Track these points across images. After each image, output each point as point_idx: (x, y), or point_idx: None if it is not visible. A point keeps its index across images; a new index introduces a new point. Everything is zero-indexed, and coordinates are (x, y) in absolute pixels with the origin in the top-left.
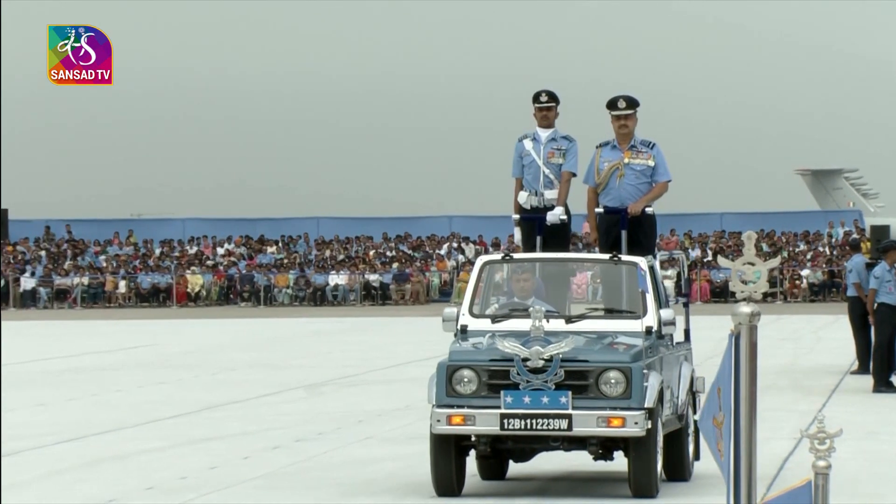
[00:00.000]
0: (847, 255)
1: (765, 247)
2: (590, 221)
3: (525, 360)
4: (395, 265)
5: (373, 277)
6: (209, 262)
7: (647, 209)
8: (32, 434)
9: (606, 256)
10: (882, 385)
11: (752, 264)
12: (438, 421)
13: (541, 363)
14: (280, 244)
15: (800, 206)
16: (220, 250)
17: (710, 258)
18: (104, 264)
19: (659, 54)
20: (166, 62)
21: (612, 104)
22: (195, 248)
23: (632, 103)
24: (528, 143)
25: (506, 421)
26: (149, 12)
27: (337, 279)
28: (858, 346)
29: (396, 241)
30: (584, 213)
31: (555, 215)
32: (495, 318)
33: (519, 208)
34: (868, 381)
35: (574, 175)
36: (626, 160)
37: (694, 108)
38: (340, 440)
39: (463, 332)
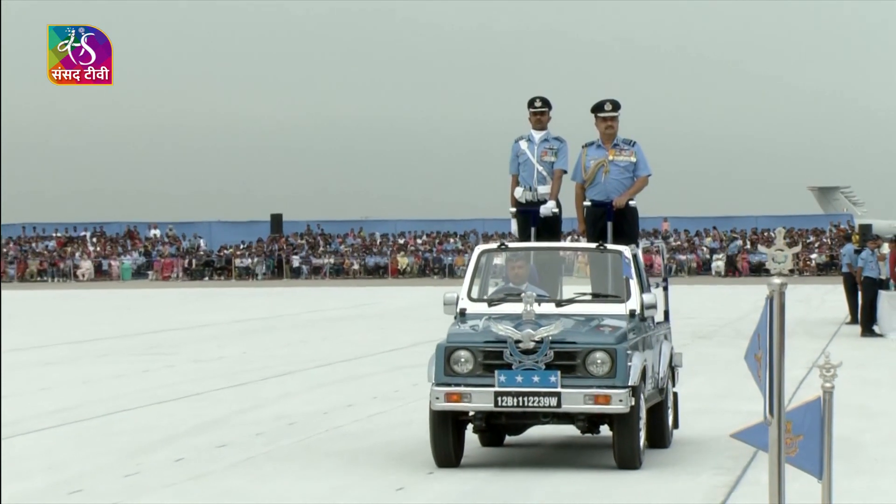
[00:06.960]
0: (842, 244)
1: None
2: (578, 214)
3: (517, 341)
4: None
5: None
6: (412, 249)
7: (630, 202)
8: (298, 362)
9: (594, 245)
10: (867, 332)
11: (782, 250)
12: (437, 398)
13: (532, 345)
14: (458, 236)
15: (810, 211)
16: (419, 241)
17: (748, 246)
18: (344, 250)
19: (713, 106)
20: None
21: (598, 107)
22: (403, 240)
23: (616, 106)
24: (523, 144)
25: (499, 398)
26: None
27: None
28: (850, 305)
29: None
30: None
31: (547, 208)
32: (491, 302)
33: (515, 202)
34: (857, 329)
35: (565, 172)
36: (611, 157)
37: (737, 144)
38: None
39: (462, 315)
